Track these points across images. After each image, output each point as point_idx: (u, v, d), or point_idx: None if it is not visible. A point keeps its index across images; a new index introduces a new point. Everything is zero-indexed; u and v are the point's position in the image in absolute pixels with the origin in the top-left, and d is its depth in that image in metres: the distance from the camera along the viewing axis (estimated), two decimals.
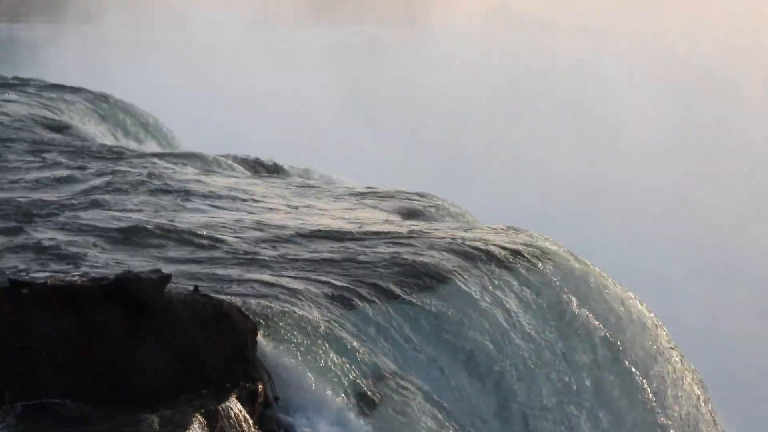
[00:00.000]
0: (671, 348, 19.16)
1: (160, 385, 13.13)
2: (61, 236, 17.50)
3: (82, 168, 23.72)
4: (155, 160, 25.31)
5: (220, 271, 16.12)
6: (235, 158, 28.77)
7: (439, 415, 14.79)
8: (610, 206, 55.17)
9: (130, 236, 17.77)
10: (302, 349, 14.30)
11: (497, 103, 64.59)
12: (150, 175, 22.43)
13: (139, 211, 19.59)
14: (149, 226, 18.16)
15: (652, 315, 19.27)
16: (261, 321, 14.28)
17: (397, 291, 16.33)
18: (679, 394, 18.56)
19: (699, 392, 19.32)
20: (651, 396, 17.89)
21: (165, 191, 21.02)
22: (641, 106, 63.33)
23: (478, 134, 62.34)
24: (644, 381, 17.94)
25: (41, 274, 14.78)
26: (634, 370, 17.89)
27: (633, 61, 67.56)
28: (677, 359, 19.14)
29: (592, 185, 57.48)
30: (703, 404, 19.10)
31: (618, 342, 17.94)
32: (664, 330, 19.42)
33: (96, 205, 19.94)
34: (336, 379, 14.22)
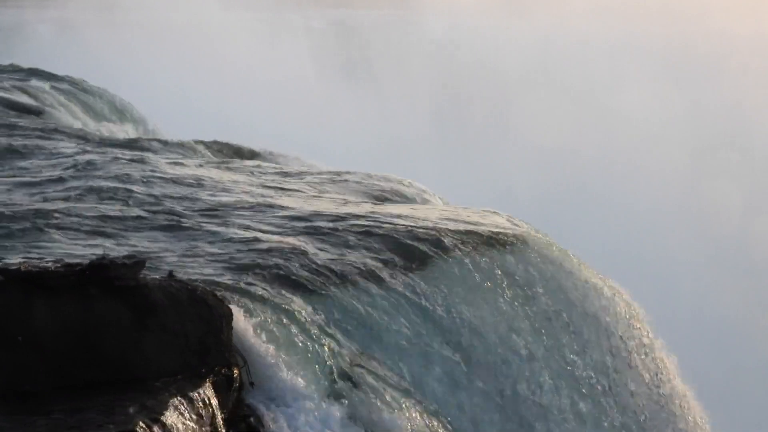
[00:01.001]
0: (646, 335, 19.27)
1: (135, 370, 13.12)
2: (29, 223, 17.39)
3: (53, 153, 23.66)
4: (124, 145, 25.28)
5: (192, 257, 16.10)
6: (209, 143, 28.68)
7: (415, 400, 14.84)
8: (614, 197, 55.37)
9: (100, 222, 17.70)
10: (277, 334, 14.31)
11: (499, 90, 64.45)
12: (115, 159, 22.41)
13: (110, 198, 19.50)
14: (119, 213, 18.12)
15: (624, 297, 19.35)
16: (236, 306, 14.25)
17: (372, 274, 16.36)
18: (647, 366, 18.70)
19: (671, 369, 19.47)
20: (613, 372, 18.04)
21: (131, 177, 20.94)
22: (647, 95, 63.37)
23: (477, 120, 62.34)
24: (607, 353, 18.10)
25: (14, 261, 14.70)
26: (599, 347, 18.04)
27: (640, 49, 67.52)
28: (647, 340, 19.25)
29: (595, 175, 57.63)
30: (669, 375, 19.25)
31: (585, 324, 18.06)
32: (641, 318, 19.51)
33: (66, 190, 19.87)
34: (311, 364, 14.25)
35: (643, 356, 18.75)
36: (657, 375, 18.80)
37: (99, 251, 15.09)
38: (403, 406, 14.41)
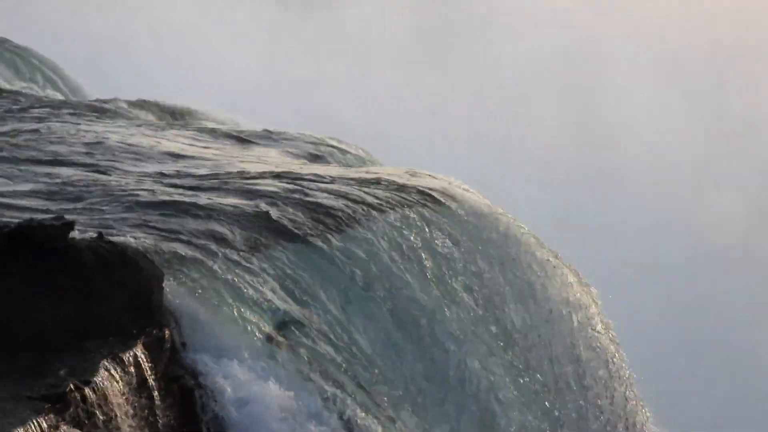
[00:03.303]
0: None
1: (65, 331, 13.08)
2: None
3: None
4: (51, 107, 25.05)
5: (121, 217, 16.01)
6: (141, 103, 28.40)
7: (342, 358, 14.93)
8: (616, 205, 55.58)
9: (27, 185, 17.57)
10: (209, 294, 14.32)
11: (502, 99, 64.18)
12: (38, 118, 22.26)
13: (38, 161, 19.33)
14: (44, 177, 17.99)
15: (552, 259, 19.54)
16: (167, 266, 14.22)
17: (303, 234, 16.39)
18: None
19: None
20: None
21: (60, 140, 20.78)
22: (652, 106, 63.46)
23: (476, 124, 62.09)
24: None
25: None
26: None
27: (644, 59, 67.47)
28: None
29: (597, 184, 57.77)
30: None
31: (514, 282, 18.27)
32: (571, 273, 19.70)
33: None
34: (243, 324, 14.28)
35: (564, 311, 18.99)
36: (580, 332, 19.06)
37: (26, 214, 14.99)
38: (336, 361, 14.52)
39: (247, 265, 15.26)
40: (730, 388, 46.22)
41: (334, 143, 23.32)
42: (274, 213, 16.64)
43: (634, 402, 19.50)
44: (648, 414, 19.89)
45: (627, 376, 19.58)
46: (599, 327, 19.41)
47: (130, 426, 12.90)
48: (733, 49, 67.52)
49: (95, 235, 13.79)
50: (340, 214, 17.10)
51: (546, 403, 17.58)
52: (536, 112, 63.26)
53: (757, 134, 61.90)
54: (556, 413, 17.69)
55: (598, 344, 19.18)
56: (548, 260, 19.25)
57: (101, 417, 12.60)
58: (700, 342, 48.28)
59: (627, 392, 19.29)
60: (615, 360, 19.44)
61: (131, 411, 12.99)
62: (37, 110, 24.46)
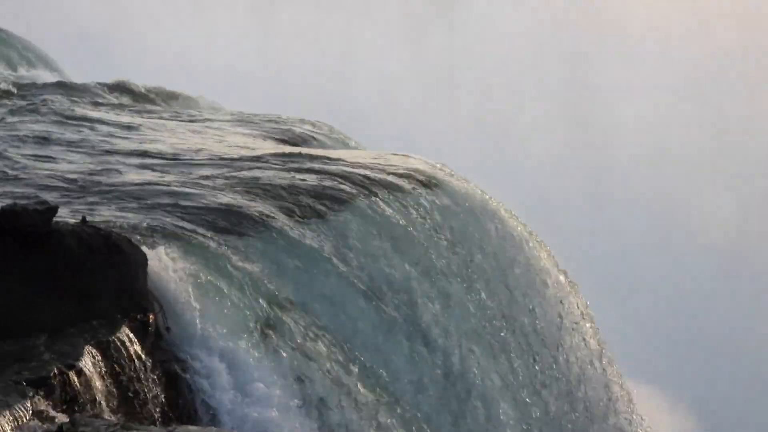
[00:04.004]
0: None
1: (50, 317, 13.07)
2: None
3: None
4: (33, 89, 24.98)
5: (105, 201, 16.00)
6: (116, 86, 28.18)
7: (332, 342, 14.94)
8: (612, 206, 55.60)
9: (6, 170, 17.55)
10: (194, 279, 14.30)
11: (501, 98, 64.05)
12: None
13: (17, 145, 19.28)
14: (23, 160, 17.94)
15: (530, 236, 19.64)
16: (152, 251, 14.22)
17: (289, 217, 16.38)
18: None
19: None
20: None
21: (37, 121, 20.75)
22: (650, 106, 63.40)
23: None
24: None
25: None
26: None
27: (643, 59, 67.34)
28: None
29: (596, 184, 57.77)
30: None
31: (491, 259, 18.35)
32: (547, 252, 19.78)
33: None
34: (229, 309, 14.27)
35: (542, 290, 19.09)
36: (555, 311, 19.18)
37: (8, 199, 14.96)
38: (324, 349, 14.53)
39: (233, 249, 15.26)
40: (729, 386, 46.43)
41: (313, 127, 23.29)
42: (265, 197, 16.63)
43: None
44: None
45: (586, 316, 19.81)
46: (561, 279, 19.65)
47: (114, 410, 12.91)
48: (730, 48, 67.52)
49: (78, 219, 13.77)
50: (335, 197, 17.14)
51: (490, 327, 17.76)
52: (534, 114, 63.30)
53: (754, 133, 61.97)
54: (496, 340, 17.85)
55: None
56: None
57: (86, 401, 12.61)
58: (695, 337, 48.46)
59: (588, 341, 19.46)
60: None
61: (116, 395, 13.00)
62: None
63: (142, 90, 27.87)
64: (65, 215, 14.61)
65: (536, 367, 18.13)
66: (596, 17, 69.71)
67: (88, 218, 14.02)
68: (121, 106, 24.18)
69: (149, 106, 24.86)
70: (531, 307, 18.63)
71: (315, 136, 22.51)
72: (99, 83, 27.49)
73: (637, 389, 22.05)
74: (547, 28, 69.03)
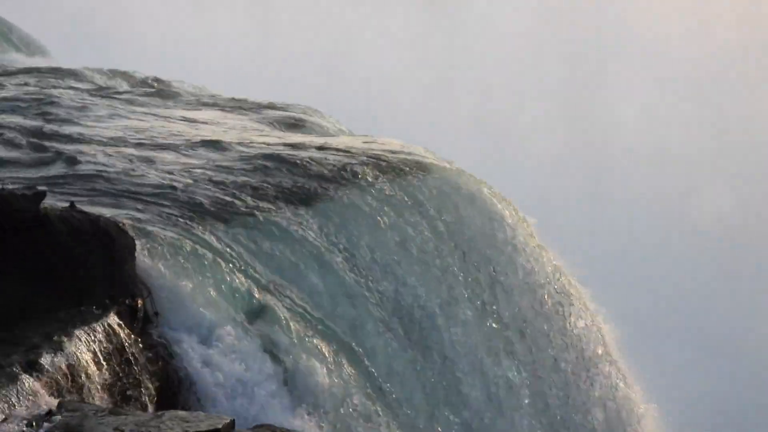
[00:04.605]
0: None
1: (38, 301, 13.12)
2: None
3: None
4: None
5: (94, 187, 16.03)
6: (103, 71, 28.17)
7: (312, 323, 14.98)
8: (613, 205, 55.63)
9: None
10: (182, 264, 14.35)
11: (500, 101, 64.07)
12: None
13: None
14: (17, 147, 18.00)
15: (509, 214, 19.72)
16: (140, 236, 14.27)
17: (282, 202, 16.42)
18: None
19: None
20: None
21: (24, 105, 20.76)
22: (650, 106, 63.40)
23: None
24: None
25: None
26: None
27: (643, 59, 67.32)
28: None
29: (596, 184, 57.78)
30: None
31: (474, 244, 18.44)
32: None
33: None
34: (217, 294, 14.33)
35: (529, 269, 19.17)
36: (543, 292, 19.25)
37: None
38: (311, 334, 14.57)
39: (228, 235, 15.29)
40: (729, 386, 46.38)
41: (307, 113, 23.30)
42: (256, 183, 16.66)
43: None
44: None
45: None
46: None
47: (103, 393, 12.96)
48: (730, 48, 67.49)
49: (67, 204, 13.83)
50: (323, 183, 17.18)
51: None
52: (534, 114, 63.28)
53: (754, 133, 61.95)
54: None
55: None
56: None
57: (75, 385, 12.65)
58: (695, 337, 48.42)
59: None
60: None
61: (105, 379, 13.05)
62: None
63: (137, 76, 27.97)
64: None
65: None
66: (596, 17, 69.73)
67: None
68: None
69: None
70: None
71: (312, 120, 22.59)
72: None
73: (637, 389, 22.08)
74: (547, 28, 69.04)
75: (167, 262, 14.17)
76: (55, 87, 23.29)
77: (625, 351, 21.30)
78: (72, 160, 17.17)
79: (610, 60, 67.14)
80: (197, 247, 14.73)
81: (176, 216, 15.26)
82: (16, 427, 11.62)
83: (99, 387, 12.95)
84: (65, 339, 12.83)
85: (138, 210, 15.24)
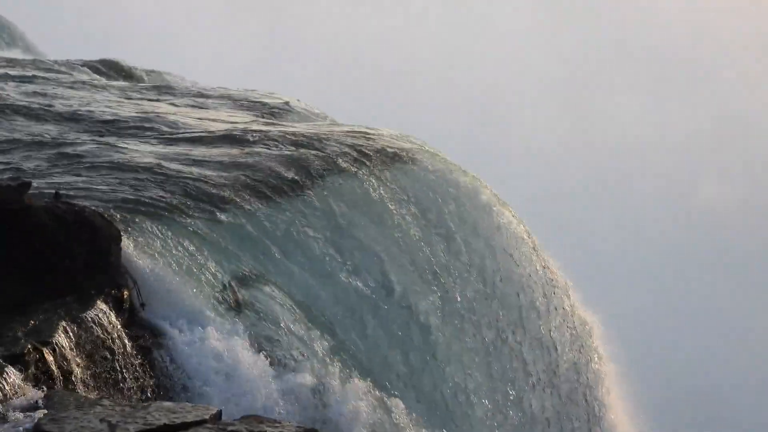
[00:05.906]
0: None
1: (23, 292, 13.06)
2: None
3: None
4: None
5: (78, 178, 15.97)
6: (86, 62, 28.11)
7: (299, 314, 14.93)
8: (613, 200, 55.70)
9: None
10: (168, 255, 14.30)
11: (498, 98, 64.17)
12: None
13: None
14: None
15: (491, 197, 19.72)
16: (125, 227, 14.21)
17: (263, 192, 16.37)
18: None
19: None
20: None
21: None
22: (650, 106, 63.50)
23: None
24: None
25: None
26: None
27: (636, 54, 67.43)
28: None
29: (596, 184, 57.86)
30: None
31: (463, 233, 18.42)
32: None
33: None
34: (202, 285, 14.28)
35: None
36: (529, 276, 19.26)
37: None
38: (296, 324, 14.52)
39: (209, 224, 15.25)
40: (729, 386, 46.38)
41: (290, 101, 23.28)
42: (236, 173, 16.61)
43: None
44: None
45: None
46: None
47: (89, 386, 12.90)
48: (730, 47, 67.53)
49: (52, 195, 13.76)
50: (307, 171, 17.13)
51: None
52: (534, 114, 63.36)
53: (754, 131, 61.98)
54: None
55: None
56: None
57: (61, 377, 12.59)
58: (695, 337, 48.44)
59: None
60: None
61: (90, 371, 12.98)
62: None
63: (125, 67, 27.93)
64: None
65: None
66: (596, 17, 69.80)
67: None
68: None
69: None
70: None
71: (293, 108, 22.54)
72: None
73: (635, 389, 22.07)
74: (547, 28, 69.12)
75: (153, 253, 14.11)
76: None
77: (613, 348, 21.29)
78: (61, 148, 17.13)
79: (610, 60, 67.21)
80: (183, 237, 14.68)
81: (162, 206, 15.20)
82: (0, 420, 11.56)
83: (85, 378, 12.88)
84: (50, 330, 12.76)
85: (124, 200, 15.17)
